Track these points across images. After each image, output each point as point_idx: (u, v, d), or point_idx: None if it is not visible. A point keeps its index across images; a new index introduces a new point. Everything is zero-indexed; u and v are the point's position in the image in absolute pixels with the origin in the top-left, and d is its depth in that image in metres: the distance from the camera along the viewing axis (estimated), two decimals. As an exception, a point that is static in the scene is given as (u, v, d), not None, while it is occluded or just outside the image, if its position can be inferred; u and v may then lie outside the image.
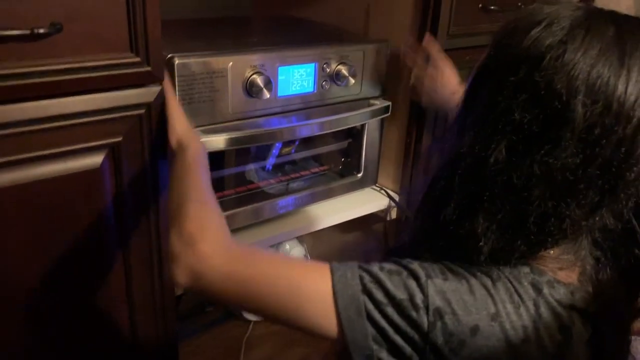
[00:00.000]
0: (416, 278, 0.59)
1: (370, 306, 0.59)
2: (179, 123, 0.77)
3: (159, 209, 0.84)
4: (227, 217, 1.03)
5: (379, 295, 0.59)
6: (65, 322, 0.81)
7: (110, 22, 0.71)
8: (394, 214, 1.30)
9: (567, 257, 0.62)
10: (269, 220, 1.14)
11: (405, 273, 0.60)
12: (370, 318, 0.59)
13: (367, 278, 0.60)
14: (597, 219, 0.58)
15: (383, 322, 0.59)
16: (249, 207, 1.08)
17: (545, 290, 0.60)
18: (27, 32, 0.64)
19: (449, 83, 1.06)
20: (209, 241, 0.63)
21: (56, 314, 0.80)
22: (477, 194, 0.58)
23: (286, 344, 1.54)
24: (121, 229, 0.82)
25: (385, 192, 1.29)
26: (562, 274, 0.62)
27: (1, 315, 0.75)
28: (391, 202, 1.27)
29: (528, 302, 0.59)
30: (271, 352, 1.54)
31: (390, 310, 0.58)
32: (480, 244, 0.58)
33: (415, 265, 0.60)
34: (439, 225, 0.62)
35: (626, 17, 0.57)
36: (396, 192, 1.29)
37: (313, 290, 0.61)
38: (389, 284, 0.59)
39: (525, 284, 0.60)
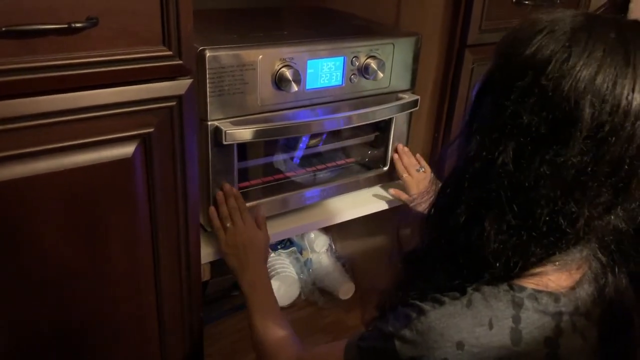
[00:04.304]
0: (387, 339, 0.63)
1: None
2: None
3: (187, 197, 0.87)
4: (255, 207, 1.05)
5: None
6: (94, 305, 0.85)
7: (144, 16, 0.72)
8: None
9: (565, 259, 0.61)
10: (296, 210, 1.15)
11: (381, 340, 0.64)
12: None
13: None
14: (611, 217, 0.58)
15: None
16: (276, 197, 1.10)
17: (527, 304, 0.60)
18: (65, 25, 0.66)
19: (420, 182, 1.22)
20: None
21: (87, 297, 0.83)
22: (485, 198, 0.59)
23: (309, 331, 1.56)
24: (151, 217, 0.84)
25: (412, 185, 1.29)
26: (552, 279, 0.61)
27: (36, 297, 0.79)
28: (417, 195, 1.27)
29: (505, 321, 0.59)
30: (294, 338, 1.57)
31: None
32: (490, 249, 0.59)
33: (388, 327, 0.63)
34: (448, 233, 0.63)
35: (625, 20, 0.58)
36: (422, 186, 1.28)
37: None
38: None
39: (504, 301, 0.60)
